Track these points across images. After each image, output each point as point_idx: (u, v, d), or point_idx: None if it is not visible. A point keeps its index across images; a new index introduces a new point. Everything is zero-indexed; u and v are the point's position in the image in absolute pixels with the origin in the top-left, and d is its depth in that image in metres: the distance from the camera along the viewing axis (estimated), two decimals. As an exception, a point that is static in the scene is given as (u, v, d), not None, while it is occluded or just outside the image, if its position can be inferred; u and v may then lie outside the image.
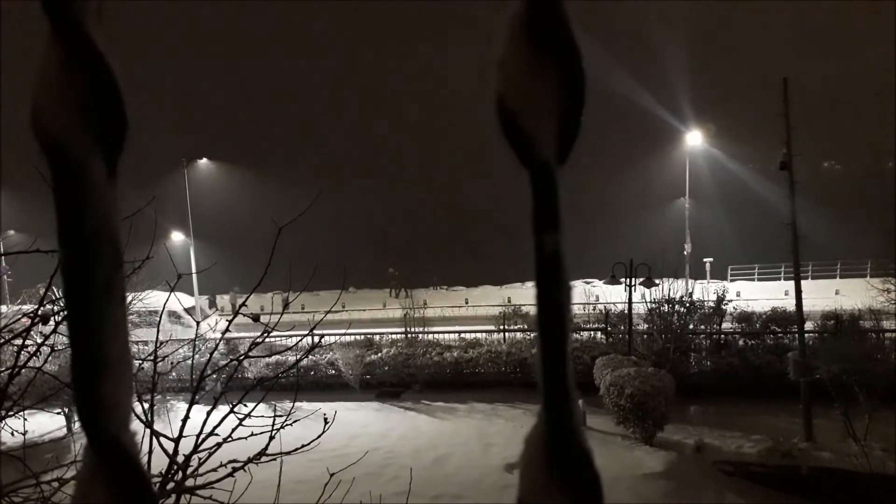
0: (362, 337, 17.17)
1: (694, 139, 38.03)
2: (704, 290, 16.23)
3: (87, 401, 0.40)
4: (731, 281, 37.62)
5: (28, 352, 2.36)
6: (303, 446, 2.62)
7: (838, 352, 10.82)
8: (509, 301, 29.32)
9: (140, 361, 2.89)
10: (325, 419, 2.77)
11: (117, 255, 0.41)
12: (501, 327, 18.30)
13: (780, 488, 8.90)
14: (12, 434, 2.58)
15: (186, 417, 2.31)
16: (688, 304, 15.01)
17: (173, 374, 8.39)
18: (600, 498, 0.36)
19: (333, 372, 15.90)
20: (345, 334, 16.44)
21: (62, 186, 0.37)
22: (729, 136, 42.62)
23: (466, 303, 35.58)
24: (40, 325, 2.40)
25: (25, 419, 2.50)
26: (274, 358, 14.35)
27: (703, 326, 15.44)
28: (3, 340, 2.39)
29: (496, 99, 0.36)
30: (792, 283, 12.01)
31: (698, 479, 9.50)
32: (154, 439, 2.25)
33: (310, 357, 14.49)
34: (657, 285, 14.83)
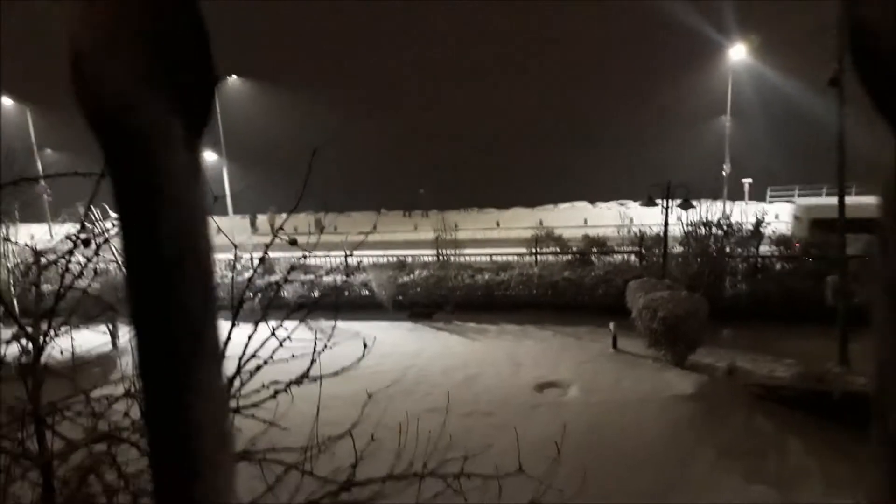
0: (395, 259, 17.37)
1: (737, 53, 36.17)
2: (743, 212, 15.84)
3: None
4: (771, 202, 36.70)
5: (73, 273, 2.39)
6: (342, 369, 2.65)
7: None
8: (541, 223, 29.21)
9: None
10: (364, 344, 2.79)
11: (211, 290, 0.28)
12: (533, 250, 18.30)
13: (811, 411, 8.91)
14: (61, 353, 2.64)
15: (228, 339, 2.34)
16: (725, 227, 14.72)
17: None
18: None
19: (367, 292, 16.18)
20: (379, 256, 16.63)
21: (124, 180, 0.24)
22: (775, 48, 40.34)
23: (498, 225, 35.50)
24: (83, 247, 2.41)
25: (73, 339, 2.56)
26: (310, 278, 14.68)
27: (739, 250, 15.18)
28: (48, 262, 2.42)
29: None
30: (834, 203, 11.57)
31: (728, 401, 9.57)
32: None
33: (345, 278, 14.76)
34: (694, 207, 14.52)
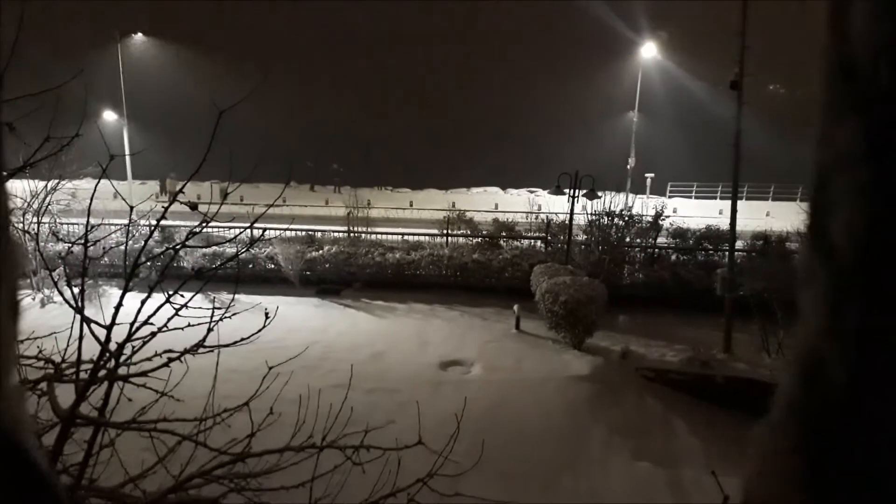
0: (303, 233, 17.00)
1: (648, 51, 37.75)
2: (644, 205, 16.63)
3: None
4: (670, 197, 38.71)
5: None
6: (242, 339, 2.58)
7: (763, 270, 11.39)
8: (453, 206, 29.46)
9: (70, 245, 2.74)
10: (266, 314, 2.72)
11: None
12: (445, 231, 18.44)
13: (697, 395, 9.56)
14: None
15: (119, 304, 2.23)
16: (626, 218, 15.42)
17: (105, 259, 8.12)
18: None
19: (273, 266, 15.80)
20: (286, 229, 16.22)
21: None
22: (683, 48, 42.37)
23: (411, 205, 35.49)
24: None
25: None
26: (212, 249, 14.11)
27: (638, 240, 15.95)
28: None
29: None
30: (727, 203, 12.39)
31: (621, 382, 10.08)
32: (85, 325, 2.16)
33: (249, 250, 14.29)
34: (599, 198, 15.12)
